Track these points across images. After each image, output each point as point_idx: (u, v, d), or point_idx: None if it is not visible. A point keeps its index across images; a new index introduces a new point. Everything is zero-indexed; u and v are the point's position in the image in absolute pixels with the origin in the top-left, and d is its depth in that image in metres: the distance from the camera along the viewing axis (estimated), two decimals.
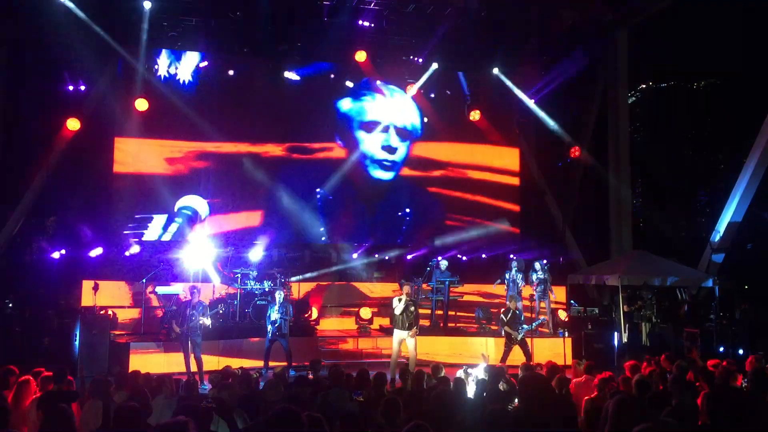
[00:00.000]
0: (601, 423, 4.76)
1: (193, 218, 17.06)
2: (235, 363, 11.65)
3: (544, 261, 15.71)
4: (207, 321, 11.63)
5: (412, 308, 12.09)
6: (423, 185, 19.21)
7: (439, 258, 16.47)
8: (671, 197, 25.48)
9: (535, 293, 15.30)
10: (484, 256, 18.71)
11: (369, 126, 18.85)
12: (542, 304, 15.29)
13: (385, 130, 18.92)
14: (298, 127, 18.13)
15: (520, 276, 15.06)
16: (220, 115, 17.14)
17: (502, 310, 13.06)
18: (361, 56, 17.36)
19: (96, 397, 6.24)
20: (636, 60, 19.68)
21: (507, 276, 15.21)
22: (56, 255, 15.53)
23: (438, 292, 15.70)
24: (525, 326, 12.66)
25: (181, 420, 3.36)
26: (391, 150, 18.97)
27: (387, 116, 18.98)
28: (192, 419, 3.80)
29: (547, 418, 5.06)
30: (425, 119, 19.19)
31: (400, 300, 12.08)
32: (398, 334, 12.12)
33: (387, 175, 18.98)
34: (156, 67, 16.90)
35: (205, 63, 17.12)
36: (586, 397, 6.81)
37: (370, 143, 18.80)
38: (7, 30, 15.65)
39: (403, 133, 19.11)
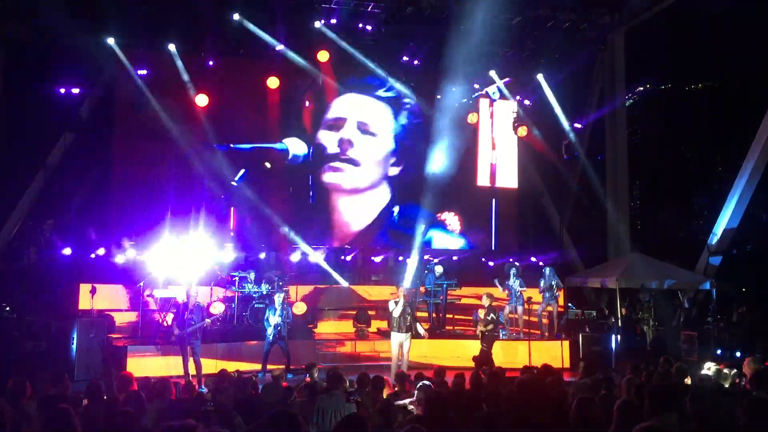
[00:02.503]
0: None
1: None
2: (234, 366, 11.67)
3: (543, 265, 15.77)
4: (207, 321, 11.73)
5: (409, 310, 12.12)
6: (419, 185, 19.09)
7: (435, 261, 16.48)
8: (669, 199, 25.49)
9: (542, 297, 15.31)
10: (488, 262, 18.64)
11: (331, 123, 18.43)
12: (549, 308, 15.32)
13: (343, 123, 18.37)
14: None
15: (518, 282, 15.09)
16: (220, 116, 17.12)
17: (481, 310, 13.11)
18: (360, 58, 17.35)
19: (93, 402, 6.22)
20: (633, 62, 19.70)
21: (507, 283, 15.24)
22: (66, 251, 15.51)
23: (435, 296, 15.72)
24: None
25: (191, 424, 3.33)
26: (348, 143, 18.21)
27: (351, 112, 18.46)
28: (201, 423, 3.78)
29: (542, 421, 5.08)
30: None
31: (396, 302, 12.11)
32: (396, 336, 12.13)
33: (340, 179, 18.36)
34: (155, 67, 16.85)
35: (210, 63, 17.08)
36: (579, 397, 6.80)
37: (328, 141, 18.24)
38: (6, 31, 15.67)
39: (367, 130, 18.54)
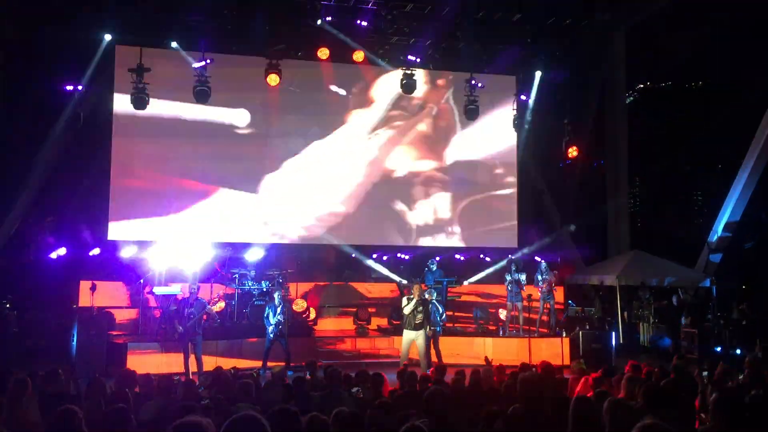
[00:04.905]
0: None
1: None
2: (234, 363, 11.65)
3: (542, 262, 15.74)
4: (213, 310, 11.73)
5: (420, 308, 11.93)
6: (419, 184, 19.06)
7: (437, 258, 16.48)
8: (669, 197, 25.56)
9: (540, 294, 15.27)
10: (486, 258, 18.58)
11: None
12: (546, 305, 15.30)
13: None
14: None
15: (522, 276, 15.03)
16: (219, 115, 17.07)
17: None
18: (358, 56, 17.27)
19: (92, 399, 6.21)
20: (634, 60, 19.70)
21: (508, 277, 15.19)
22: (58, 253, 15.50)
23: (435, 293, 15.68)
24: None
25: (196, 420, 3.32)
26: None
27: None
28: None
29: (544, 418, 5.07)
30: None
31: (409, 299, 12.00)
32: (407, 334, 11.94)
33: None
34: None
35: (203, 63, 16.96)
36: (577, 396, 6.80)
37: None
38: (2, 30, 15.62)
39: None
